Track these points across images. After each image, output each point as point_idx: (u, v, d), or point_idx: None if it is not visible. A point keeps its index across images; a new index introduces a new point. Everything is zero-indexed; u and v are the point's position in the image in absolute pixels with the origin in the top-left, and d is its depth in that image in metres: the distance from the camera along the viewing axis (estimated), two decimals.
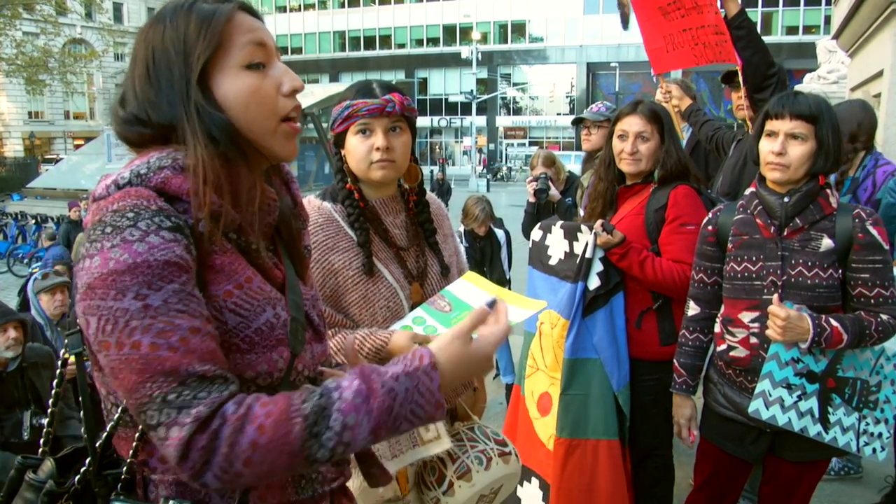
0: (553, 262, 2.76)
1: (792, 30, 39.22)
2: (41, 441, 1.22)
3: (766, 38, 3.33)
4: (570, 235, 2.68)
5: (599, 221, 2.55)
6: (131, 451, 1.07)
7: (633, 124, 2.62)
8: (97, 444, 1.11)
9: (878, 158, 3.52)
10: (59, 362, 1.22)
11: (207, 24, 1.06)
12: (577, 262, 2.61)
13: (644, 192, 2.66)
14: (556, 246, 2.75)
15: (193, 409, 0.93)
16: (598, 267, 2.59)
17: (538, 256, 2.84)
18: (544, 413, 2.77)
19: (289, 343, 1.11)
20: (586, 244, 2.59)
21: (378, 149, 1.82)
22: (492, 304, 1.16)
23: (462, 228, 5.15)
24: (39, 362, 3.42)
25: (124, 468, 1.08)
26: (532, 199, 4.16)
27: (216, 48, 1.06)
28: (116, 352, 0.94)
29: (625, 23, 4.13)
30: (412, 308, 1.91)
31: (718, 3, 3.32)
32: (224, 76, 1.07)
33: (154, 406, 0.93)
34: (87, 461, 1.10)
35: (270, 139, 1.11)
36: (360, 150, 1.84)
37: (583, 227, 2.64)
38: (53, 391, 1.24)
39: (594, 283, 2.59)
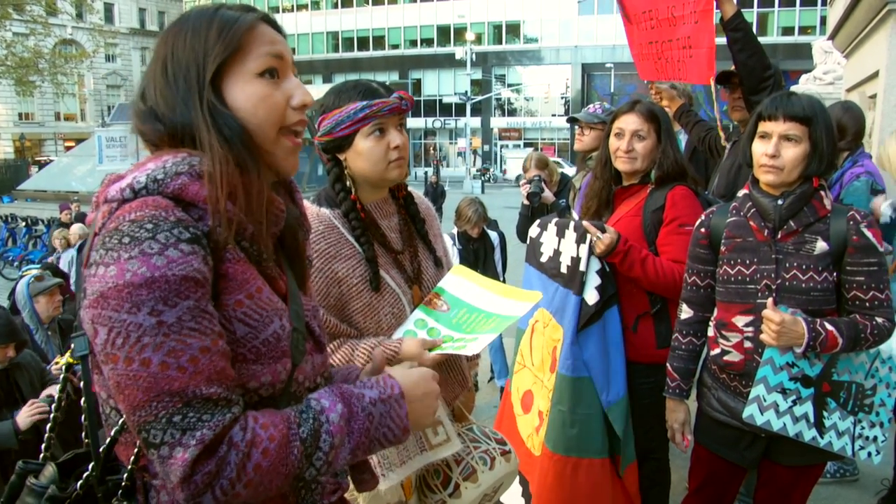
0: (543, 259, 2.77)
1: (788, 30, 39.37)
2: (42, 446, 1.21)
3: (762, 39, 3.32)
4: (560, 233, 2.68)
5: (588, 222, 2.52)
6: (132, 457, 1.07)
7: (629, 122, 2.62)
8: (100, 450, 1.10)
9: (857, 160, 3.50)
10: (63, 367, 1.22)
11: (228, 28, 1.08)
12: (569, 268, 2.59)
13: (641, 194, 2.66)
14: (548, 243, 2.75)
15: (198, 433, 0.94)
16: (594, 281, 2.54)
17: (533, 253, 2.85)
18: (526, 410, 2.78)
19: (290, 354, 1.12)
20: (580, 258, 2.54)
21: (397, 147, 1.81)
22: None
23: (455, 230, 5.15)
24: (21, 362, 3.43)
25: (125, 475, 1.08)
26: (526, 202, 4.17)
27: (233, 52, 1.08)
28: (125, 367, 0.94)
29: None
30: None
31: (714, 6, 3.32)
32: (237, 81, 1.09)
33: (158, 426, 0.94)
34: (91, 466, 1.10)
35: (272, 148, 1.12)
36: (377, 151, 1.80)
37: (570, 224, 2.62)
38: (56, 396, 1.24)
39: (592, 297, 2.54)
